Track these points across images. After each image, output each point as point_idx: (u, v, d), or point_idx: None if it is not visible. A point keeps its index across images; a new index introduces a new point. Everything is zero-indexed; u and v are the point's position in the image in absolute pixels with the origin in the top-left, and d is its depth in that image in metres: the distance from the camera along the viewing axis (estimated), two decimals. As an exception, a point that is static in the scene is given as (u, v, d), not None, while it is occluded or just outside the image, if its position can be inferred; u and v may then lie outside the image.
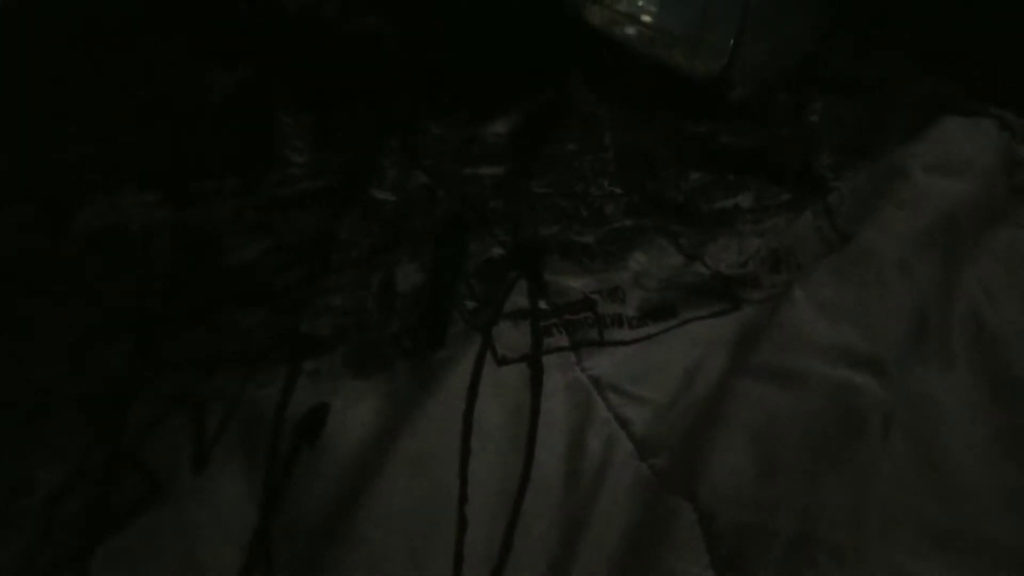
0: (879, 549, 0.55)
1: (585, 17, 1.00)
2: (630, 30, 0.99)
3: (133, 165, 0.77)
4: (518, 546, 0.54)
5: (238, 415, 0.58)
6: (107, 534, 0.53)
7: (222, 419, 0.57)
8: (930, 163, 0.80)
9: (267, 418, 0.57)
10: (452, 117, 0.86)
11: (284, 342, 0.63)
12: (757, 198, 0.81)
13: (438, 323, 0.65)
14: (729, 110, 0.91)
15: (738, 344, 0.66)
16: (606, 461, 0.57)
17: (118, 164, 0.77)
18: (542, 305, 0.67)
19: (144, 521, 0.53)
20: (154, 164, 0.78)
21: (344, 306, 0.66)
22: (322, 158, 0.81)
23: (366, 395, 0.60)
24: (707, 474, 0.56)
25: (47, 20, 0.90)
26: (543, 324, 0.65)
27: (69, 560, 0.53)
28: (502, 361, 0.62)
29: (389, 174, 0.79)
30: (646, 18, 1.02)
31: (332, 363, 0.62)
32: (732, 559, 0.53)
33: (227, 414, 0.58)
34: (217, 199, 0.75)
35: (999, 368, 0.67)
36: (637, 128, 0.87)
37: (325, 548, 0.53)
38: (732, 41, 0.86)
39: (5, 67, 0.86)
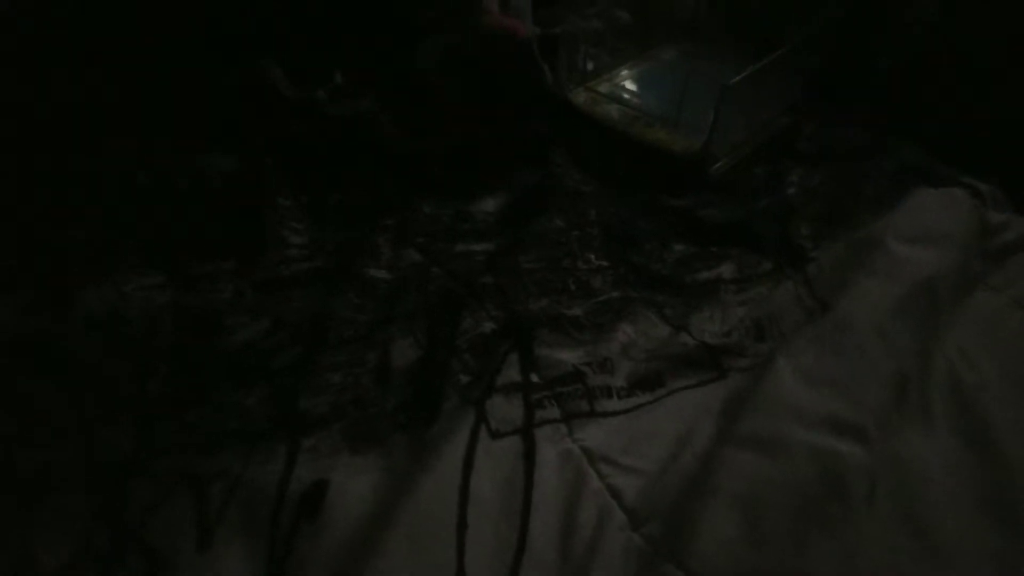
0: (868, 612, 0.56)
1: (570, 99, 1.05)
2: (613, 111, 1.03)
3: (133, 248, 0.79)
4: (515, 617, 0.55)
5: (240, 493, 0.59)
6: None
7: (224, 497, 0.58)
8: (904, 233, 0.83)
9: (268, 495, 0.58)
10: (443, 196, 0.89)
11: (283, 420, 0.64)
12: (739, 268, 0.83)
13: (432, 398, 0.66)
14: (709, 184, 0.95)
15: (724, 412, 0.68)
16: (599, 531, 0.58)
17: (119, 248, 0.79)
18: (534, 378, 0.69)
19: (148, 602, 0.54)
20: (154, 247, 0.80)
21: (341, 383, 0.68)
22: (318, 239, 0.83)
23: (364, 471, 0.61)
24: (697, 542, 0.57)
25: (48, 104, 0.93)
26: (535, 397, 0.67)
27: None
28: (495, 434, 0.64)
29: (383, 252, 0.82)
30: (628, 99, 1.07)
31: (331, 440, 0.63)
32: (724, 625, 0.55)
33: (229, 492, 0.59)
34: (216, 281, 0.77)
35: (979, 429, 0.68)
36: (621, 203, 0.91)
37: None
38: (710, 119, 0.90)
39: (6, 152, 0.89)
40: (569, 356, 0.71)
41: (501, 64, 0.99)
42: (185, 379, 0.68)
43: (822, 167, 0.97)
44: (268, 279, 0.78)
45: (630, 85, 1.11)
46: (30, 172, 0.88)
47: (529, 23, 1.03)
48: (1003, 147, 1.03)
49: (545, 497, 0.60)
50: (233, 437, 0.63)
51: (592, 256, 0.83)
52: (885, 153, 0.99)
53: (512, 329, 0.73)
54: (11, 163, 0.88)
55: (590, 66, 1.09)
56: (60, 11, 0.96)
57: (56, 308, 0.73)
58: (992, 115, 1.07)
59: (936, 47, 1.09)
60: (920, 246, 0.82)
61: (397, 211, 0.87)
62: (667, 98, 1.02)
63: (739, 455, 0.62)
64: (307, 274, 0.79)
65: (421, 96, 0.99)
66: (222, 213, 0.86)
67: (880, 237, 0.82)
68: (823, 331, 0.73)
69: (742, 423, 0.65)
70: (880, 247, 0.81)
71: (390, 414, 0.66)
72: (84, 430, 0.64)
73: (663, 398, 0.70)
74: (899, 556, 0.59)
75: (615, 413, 0.68)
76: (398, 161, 0.93)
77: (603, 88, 1.08)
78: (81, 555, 0.56)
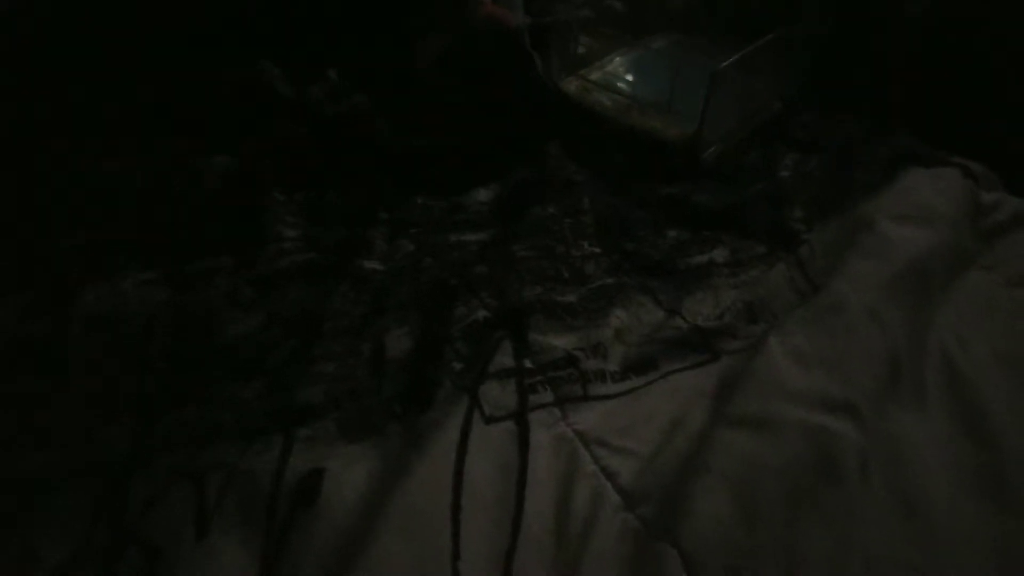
0: (861, 590, 0.56)
1: (562, 88, 1.05)
2: (605, 99, 1.04)
3: (131, 248, 0.80)
4: (511, 600, 0.55)
5: (236, 483, 0.59)
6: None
7: (221, 488, 0.59)
8: (895, 213, 0.83)
9: (265, 485, 0.59)
10: (436, 188, 0.90)
11: (279, 412, 0.64)
12: (732, 252, 0.84)
13: (426, 386, 0.67)
14: (702, 170, 0.95)
15: (718, 394, 0.68)
16: (594, 513, 0.59)
17: (117, 247, 0.80)
18: (527, 363, 0.69)
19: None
20: (151, 246, 0.80)
21: (336, 374, 0.68)
22: (313, 232, 0.83)
23: (359, 459, 0.61)
24: (691, 521, 0.57)
25: (46, 104, 0.93)
26: (528, 382, 0.67)
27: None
28: (489, 420, 0.64)
29: (378, 244, 0.82)
30: (621, 86, 1.07)
31: (326, 429, 0.64)
32: (718, 603, 0.55)
33: (226, 483, 0.59)
34: (213, 278, 0.77)
35: (972, 408, 0.69)
36: (614, 191, 0.91)
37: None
38: (702, 106, 0.90)
39: (5, 152, 0.89)
40: (562, 341, 0.72)
41: (492, 54, 0.99)
42: (182, 374, 0.68)
43: (816, 152, 0.98)
44: (264, 274, 0.78)
45: (622, 73, 1.11)
46: (29, 172, 0.88)
47: (520, 13, 1.03)
48: (999, 136, 1.03)
49: (540, 480, 0.60)
50: (230, 429, 0.63)
51: (585, 243, 0.83)
52: (878, 138, 0.99)
53: (505, 316, 0.73)
54: (10, 163, 0.89)
55: (581, 50, 1.09)
56: (59, 11, 0.96)
57: (55, 307, 0.73)
58: (989, 106, 1.08)
59: (933, 40, 1.10)
60: (912, 226, 0.82)
61: (390, 204, 0.87)
62: (659, 86, 1.02)
63: (732, 436, 0.63)
64: (302, 267, 0.79)
65: (414, 91, 1.00)
66: (218, 210, 0.86)
67: (872, 218, 0.82)
68: (815, 312, 0.74)
69: (735, 404, 0.65)
70: (872, 228, 0.81)
71: (385, 403, 0.66)
72: (83, 428, 0.64)
73: (656, 381, 0.70)
74: (892, 535, 0.59)
75: (609, 396, 0.68)
76: (392, 156, 0.93)
77: (595, 76, 1.08)
78: (81, 551, 0.57)
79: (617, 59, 1.13)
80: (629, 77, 1.10)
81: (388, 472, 0.60)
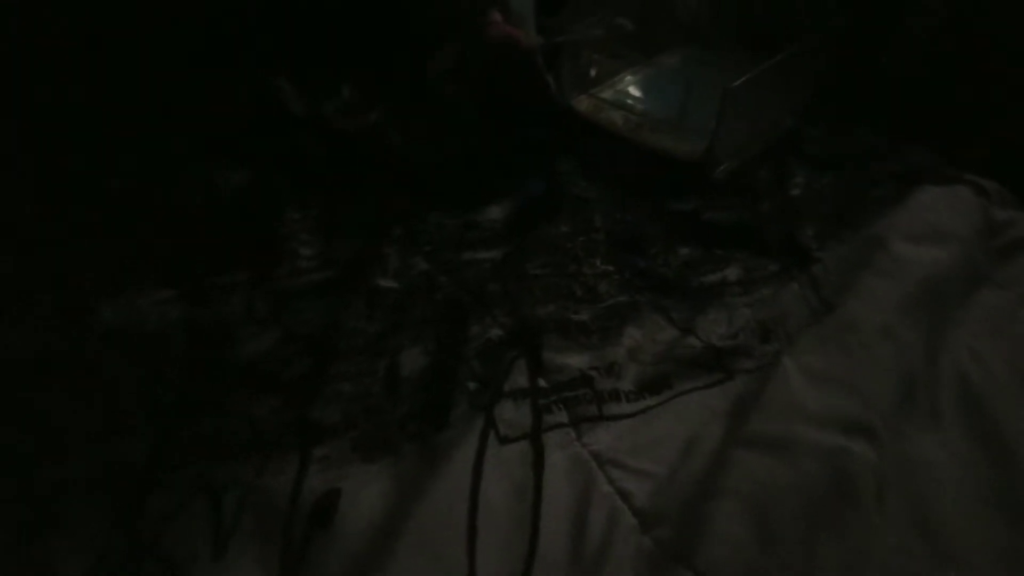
0: (877, 611, 0.56)
1: (573, 106, 1.06)
2: (616, 117, 1.04)
3: (148, 263, 0.80)
4: (527, 622, 0.55)
5: (253, 502, 0.59)
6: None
7: (238, 506, 0.59)
8: (909, 232, 0.83)
9: (281, 504, 0.59)
10: (449, 205, 0.90)
11: (295, 430, 0.65)
12: (745, 271, 0.84)
13: (442, 405, 0.67)
14: (714, 187, 0.95)
15: (732, 414, 0.68)
16: (609, 535, 0.59)
17: (133, 263, 0.80)
18: (541, 383, 0.69)
19: (165, 611, 0.54)
20: (168, 262, 0.81)
21: (352, 393, 0.68)
22: (328, 250, 0.84)
23: (375, 479, 0.62)
24: (707, 543, 0.57)
25: (60, 122, 0.94)
26: (543, 402, 0.67)
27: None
28: (504, 440, 0.64)
29: (392, 262, 0.83)
30: (632, 104, 1.07)
31: (342, 449, 0.64)
32: (735, 625, 0.55)
33: (242, 501, 0.59)
34: (229, 294, 0.78)
35: (988, 427, 0.68)
36: (626, 208, 0.91)
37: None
38: (714, 123, 0.90)
39: (25, 169, 0.90)
40: (576, 361, 0.72)
41: (505, 73, 0.99)
42: (198, 391, 0.69)
43: (827, 169, 0.98)
44: (279, 291, 0.78)
45: (633, 91, 1.12)
46: (45, 189, 0.89)
47: (532, 32, 1.04)
48: (1010, 151, 1.03)
49: (555, 501, 0.60)
50: (246, 447, 0.63)
51: (598, 261, 0.84)
52: (890, 155, 0.99)
53: (519, 335, 0.73)
54: (28, 181, 0.89)
55: (593, 73, 1.09)
56: (72, 23, 0.97)
57: (72, 322, 0.74)
58: (999, 119, 1.08)
59: (943, 52, 1.10)
60: (926, 245, 0.82)
61: (404, 221, 0.87)
62: (671, 103, 1.03)
63: (747, 456, 0.63)
64: (317, 285, 0.80)
65: (426, 104, 1.01)
66: (233, 226, 0.87)
67: (885, 236, 0.82)
68: (829, 331, 0.74)
69: (750, 424, 0.65)
70: (885, 246, 0.81)
71: (400, 422, 0.66)
72: (100, 443, 0.64)
73: (671, 400, 0.70)
74: (908, 556, 0.59)
75: (623, 416, 0.68)
76: (405, 173, 0.93)
77: (606, 94, 1.09)
78: (99, 564, 0.57)
79: (628, 77, 1.14)
80: (640, 94, 1.11)
81: (404, 492, 0.60)
